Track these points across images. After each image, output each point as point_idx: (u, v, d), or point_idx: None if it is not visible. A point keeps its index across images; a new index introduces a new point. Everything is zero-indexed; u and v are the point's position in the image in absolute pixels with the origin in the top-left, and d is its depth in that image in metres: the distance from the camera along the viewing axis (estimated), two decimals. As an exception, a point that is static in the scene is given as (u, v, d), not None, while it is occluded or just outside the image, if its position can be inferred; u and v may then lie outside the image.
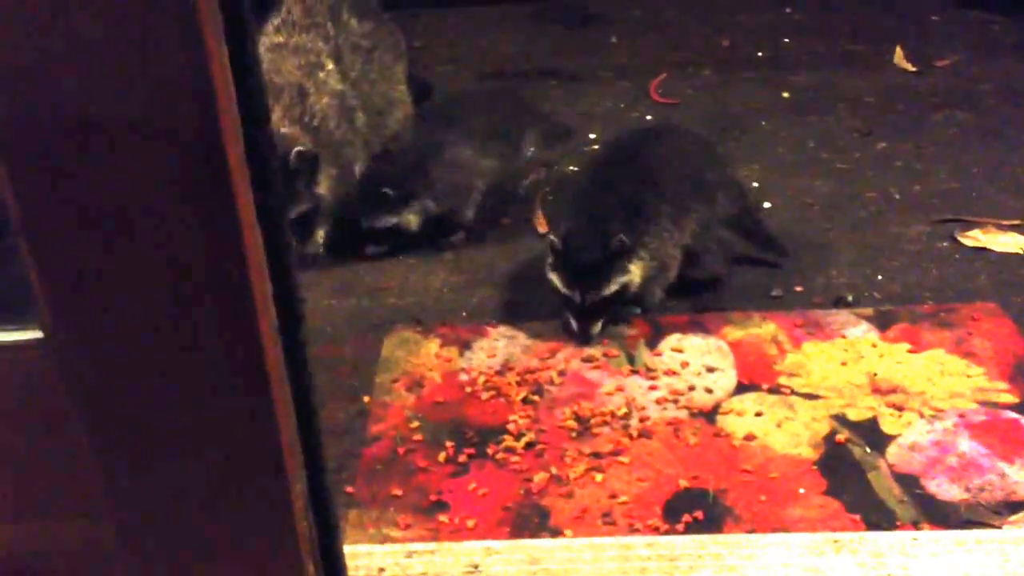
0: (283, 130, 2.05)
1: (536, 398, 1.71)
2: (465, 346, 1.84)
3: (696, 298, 1.96)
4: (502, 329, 1.88)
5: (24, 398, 1.03)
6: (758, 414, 1.64)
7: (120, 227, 0.94)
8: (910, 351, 1.76)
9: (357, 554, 1.38)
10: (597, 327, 1.83)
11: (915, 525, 1.42)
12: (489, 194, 2.22)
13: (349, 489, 1.52)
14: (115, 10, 0.85)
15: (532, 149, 2.34)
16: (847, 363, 1.74)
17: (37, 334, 0.98)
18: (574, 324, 1.83)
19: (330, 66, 2.22)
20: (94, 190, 0.92)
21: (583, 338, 1.82)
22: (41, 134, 0.89)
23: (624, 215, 1.83)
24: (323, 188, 2.10)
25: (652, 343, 1.83)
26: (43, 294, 0.96)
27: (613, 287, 1.80)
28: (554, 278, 1.83)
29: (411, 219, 2.10)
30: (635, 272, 1.83)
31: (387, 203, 2.07)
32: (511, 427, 1.63)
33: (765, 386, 1.70)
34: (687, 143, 2.06)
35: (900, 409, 1.63)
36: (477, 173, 2.18)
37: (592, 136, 2.58)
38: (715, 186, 1.98)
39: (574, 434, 1.62)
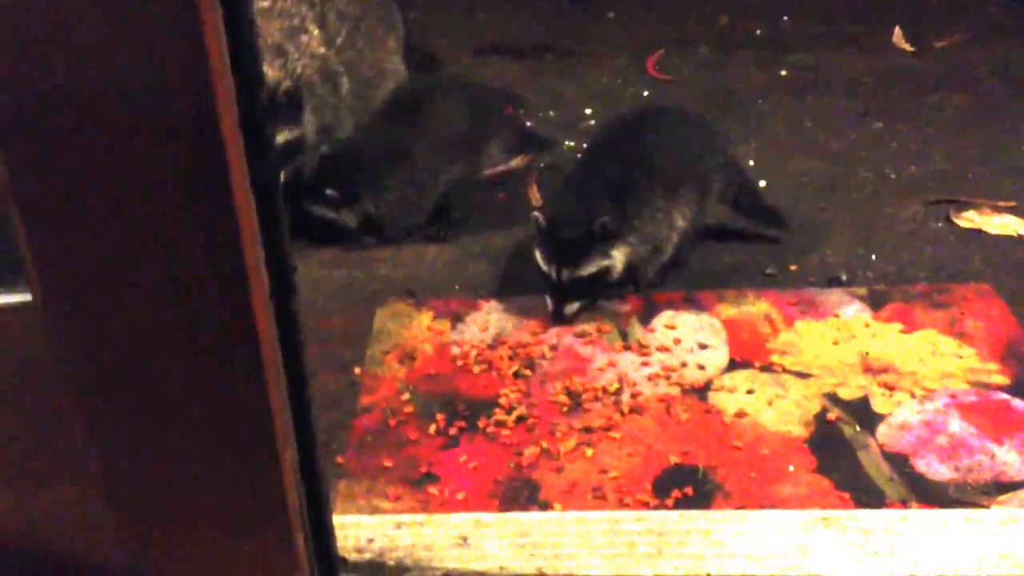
0: (268, 72, 2.05)
1: (528, 372, 1.70)
2: (457, 319, 1.84)
3: (689, 275, 1.95)
4: (494, 303, 1.87)
5: (13, 362, 1.02)
6: (750, 391, 1.64)
7: (110, 192, 0.93)
8: (902, 331, 1.76)
9: (346, 524, 1.38)
10: (572, 308, 1.80)
11: (904, 504, 1.42)
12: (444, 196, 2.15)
13: (339, 460, 1.52)
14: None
15: (496, 155, 2.25)
16: (839, 342, 1.74)
17: (26, 297, 0.97)
18: (549, 304, 1.81)
19: (314, 31, 2.19)
20: (84, 155, 0.91)
21: (556, 318, 1.80)
22: (31, 100, 0.88)
23: (615, 196, 1.81)
24: (308, 128, 2.11)
25: (645, 319, 1.83)
26: (32, 257, 0.95)
27: (591, 268, 1.78)
28: (536, 254, 1.81)
29: (348, 218, 2.07)
30: (617, 258, 1.80)
31: (328, 200, 2.04)
32: (502, 401, 1.63)
33: (757, 364, 1.70)
34: (684, 123, 2.04)
35: (891, 389, 1.63)
36: (428, 194, 2.11)
37: (588, 112, 2.57)
38: (712, 167, 1.97)
39: (565, 409, 1.62)
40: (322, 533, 1.23)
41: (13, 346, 1.01)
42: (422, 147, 2.10)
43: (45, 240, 0.94)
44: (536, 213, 1.81)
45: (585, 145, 2.23)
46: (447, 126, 2.13)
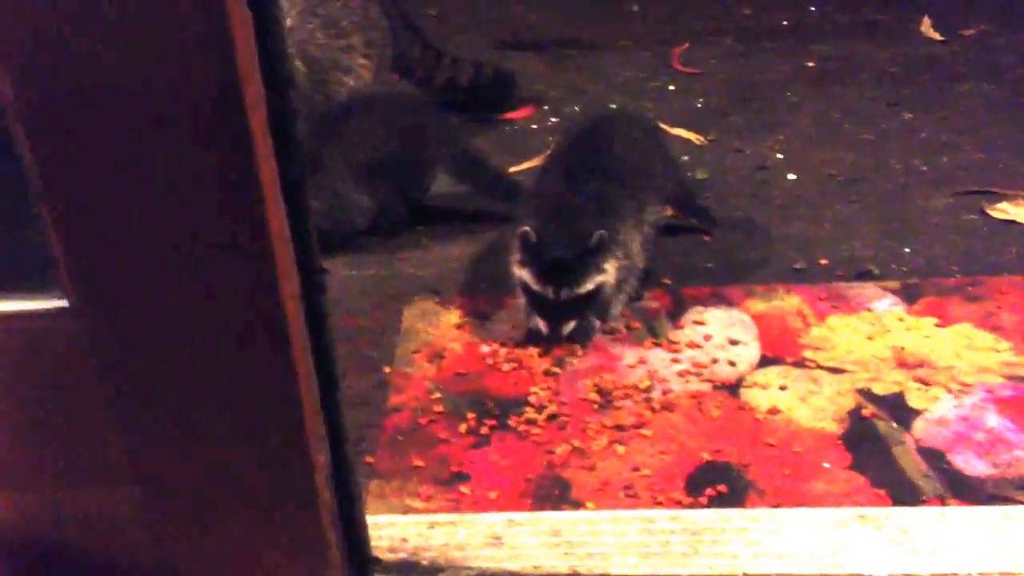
0: None
1: (557, 370, 1.69)
2: (485, 317, 1.83)
3: (717, 271, 1.94)
4: (522, 300, 1.86)
5: (48, 366, 1.02)
6: (782, 388, 1.62)
7: (141, 195, 0.93)
8: (937, 325, 1.74)
9: (379, 524, 1.37)
10: (569, 327, 1.73)
11: (941, 501, 1.40)
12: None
13: (370, 460, 1.52)
14: (136, -27, 0.83)
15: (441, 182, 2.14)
16: (873, 337, 1.72)
17: (61, 303, 0.97)
18: (541, 324, 1.73)
19: None
20: (114, 157, 0.91)
21: (553, 338, 1.73)
22: (60, 100, 0.88)
23: (596, 210, 1.74)
24: None
25: (674, 316, 1.81)
26: (65, 263, 0.95)
27: (589, 285, 1.70)
28: (524, 274, 1.72)
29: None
30: (611, 272, 1.73)
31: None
32: (532, 399, 1.62)
33: (789, 359, 1.68)
34: (638, 128, 1.99)
35: (927, 383, 1.61)
36: (352, 208, 2.06)
37: (613, 106, 2.56)
38: (663, 170, 1.94)
39: (596, 407, 1.61)
40: (355, 533, 1.23)
41: (48, 351, 1.01)
42: (339, 160, 2.05)
43: (78, 246, 0.94)
44: (524, 229, 1.71)
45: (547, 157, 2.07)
46: (373, 143, 2.06)
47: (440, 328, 1.81)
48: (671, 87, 2.66)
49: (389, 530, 1.37)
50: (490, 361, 1.72)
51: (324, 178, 2.04)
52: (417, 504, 1.44)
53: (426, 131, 2.12)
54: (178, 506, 1.12)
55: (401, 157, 2.09)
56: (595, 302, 1.74)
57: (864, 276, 1.88)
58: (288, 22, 2.19)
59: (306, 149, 1.99)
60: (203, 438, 1.06)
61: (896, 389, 1.60)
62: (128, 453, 1.08)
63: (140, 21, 0.85)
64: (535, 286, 1.72)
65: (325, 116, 2.15)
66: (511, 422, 1.58)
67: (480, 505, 1.43)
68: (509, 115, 2.56)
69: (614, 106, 2.53)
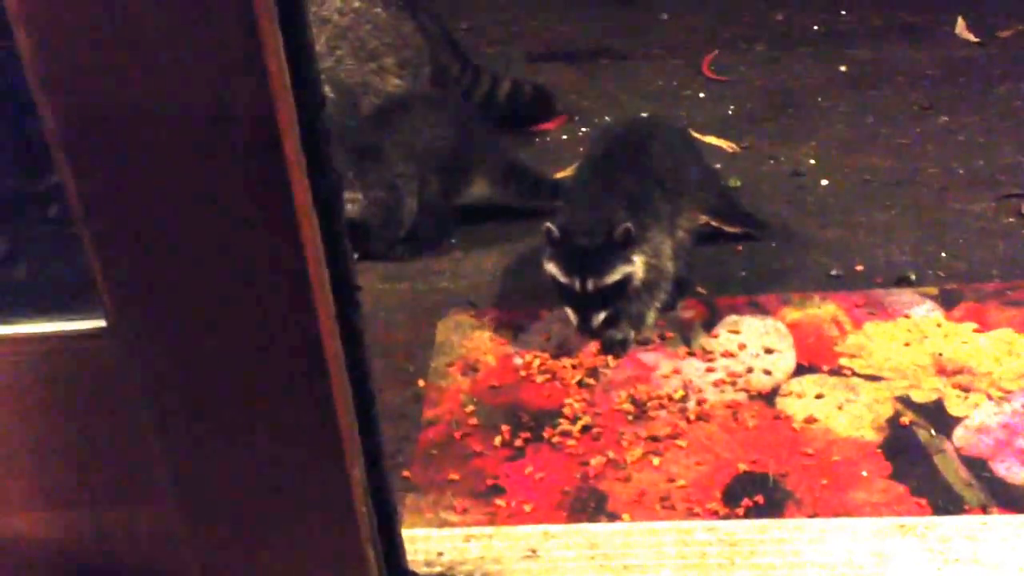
0: None
1: (591, 381, 1.69)
2: (519, 329, 1.83)
3: (752, 279, 1.93)
4: (556, 312, 1.86)
5: (89, 386, 1.04)
6: (819, 396, 1.61)
7: (178, 217, 0.94)
8: (976, 331, 1.71)
9: (415, 538, 1.38)
10: (599, 319, 1.72)
11: (984, 509, 1.38)
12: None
13: (406, 473, 1.53)
14: (171, 1, 0.85)
15: (482, 186, 2.17)
16: (911, 343, 1.70)
17: (100, 323, 0.99)
18: (573, 317, 1.74)
19: None
20: (152, 181, 0.92)
21: (583, 329, 1.73)
22: (100, 125, 0.90)
23: (627, 206, 1.74)
24: None
25: (708, 325, 1.80)
26: (105, 283, 0.97)
27: (615, 276, 1.70)
28: (552, 268, 1.74)
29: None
30: (639, 264, 1.73)
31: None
32: (567, 411, 1.62)
33: (826, 368, 1.67)
34: (672, 136, 1.99)
35: (967, 390, 1.59)
36: (404, 200, 2.09)
37: (645, 115, 2.55)
38: (699, 179, 1.94)
39: (630, 417, 1.60)
40: (392, 547, 1.24)
41: (88, 370, 1.03)
42: (398, 151, 2.08)
43: (117, 267, 0.95)
44: (548, 225, 1.73)
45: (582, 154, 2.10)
46: (429, 138, 2.10)
47: (474, 341, 1.81)
48: (702, 95, 2.66)
49: (425, 544, 1.38)
50: (524, 373, 1.72)
51: (384, 169, 2.06)
52: (453, 518, 1.44)
53: (472, 137, 2.16)
54: (218, 522, 1.13)
55: (448, 159, 2.12)
56: (624, 294, 1.74)
57: (901, 282, 1.86)
58: (316, 49, 2.22)
59: (367, 140, 2.05)
60: (241, 455, 1.08)
61: (935, 396, 1.59)
62: (168, 471, 1.09)
63: (177, 49, 0.87)
64: (563, 278, 1.73)
65: (387, 108, 2.19)
66: (545, 434, 1.58)
67: (516, 518, 1.43)
68: (541, 126, 2.56)
69: (646, 115, 2.53)
